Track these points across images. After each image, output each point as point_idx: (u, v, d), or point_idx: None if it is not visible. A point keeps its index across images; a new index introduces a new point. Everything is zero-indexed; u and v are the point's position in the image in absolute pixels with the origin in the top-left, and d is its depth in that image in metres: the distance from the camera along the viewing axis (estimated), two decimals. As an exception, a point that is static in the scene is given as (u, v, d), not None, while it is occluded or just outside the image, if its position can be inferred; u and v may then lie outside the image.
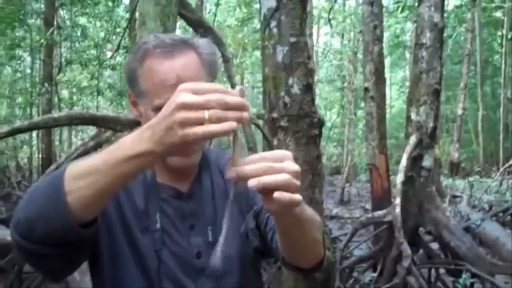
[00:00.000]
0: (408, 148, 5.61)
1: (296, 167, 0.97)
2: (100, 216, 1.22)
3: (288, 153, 0.99)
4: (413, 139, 5.66)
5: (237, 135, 0.98)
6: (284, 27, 2.85)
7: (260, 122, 9.68)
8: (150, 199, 1.28)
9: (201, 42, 1.29)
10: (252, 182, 0.93)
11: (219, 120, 0.90)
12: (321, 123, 2.80)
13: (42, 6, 13.72)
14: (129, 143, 0.95)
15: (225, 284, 1.30)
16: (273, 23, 2.88)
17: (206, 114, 0.90)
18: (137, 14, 8.05)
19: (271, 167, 0.94)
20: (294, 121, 2.79)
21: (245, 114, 0.93)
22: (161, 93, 1.20)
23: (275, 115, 2.81)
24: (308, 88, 2.80)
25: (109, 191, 0.99)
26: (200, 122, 0.89)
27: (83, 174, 0.98)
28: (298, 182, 0.96)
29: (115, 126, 5.62)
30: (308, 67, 2.80)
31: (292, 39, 2.82)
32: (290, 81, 2.79)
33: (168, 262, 1.26)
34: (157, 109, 1.19)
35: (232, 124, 0.90)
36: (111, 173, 0.96)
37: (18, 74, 17.60)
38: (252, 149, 7.50)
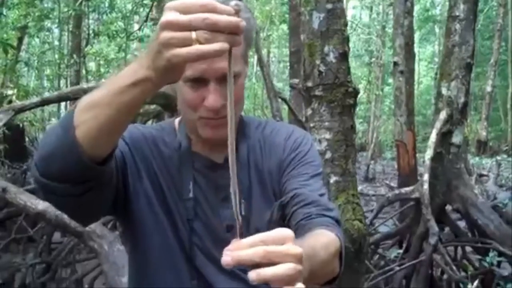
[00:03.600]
0: (438, 124, 5.51)
1: (298, 250, 0.84)
2: (136, 178, 1.23)
3: (289, 233, 0.87)
4: (443, 114, 5.55)
5: (231, 59, 0.90)
6: (321, -8, 2.78)
7: (287, 96, 9.61)
8: (183, 167, 1.26)
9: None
10: (252, 276, 0.82)
11: (207, 42, 0.83)
12: (356, 93, 2.75)
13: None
14: (129, 71, 0.94)
15: None
16: (310, -11, 2.80)
17: (193, 34, 0.83)
18: (165, -15, 7.99)
19: (270, 252, 0.83)
20: (329, 90, 2.75)
21: (238, 38, 0.86)
22: (189, 64, 1.17)
23: (309, 84, 2.77)
24: (344, 57, 2.75)
25: (114, 123, 0.98)
26: (187, 43, 0.83)
27: (89, 106, 0.98)
28: (301, 267, 0.84)
29: (143, 98, 5.63)
30: (344, 34, 2.75)
31: (329, 5, 2.77)
32: (326, 49, 2.75)
33: (200, 233, 1.25)
34: (188, 80, 1.18)
35: (223, 45, 0.83)
36: (114, 103, 0.95)
37: (47, 46, 17.72)
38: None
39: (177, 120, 1.36)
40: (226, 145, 1.30)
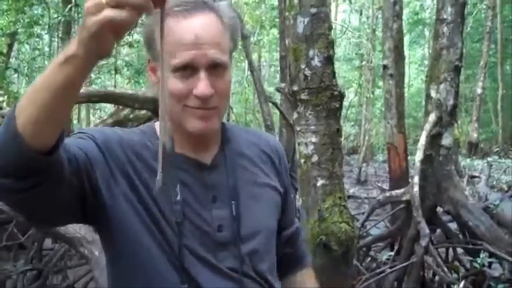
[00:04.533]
0: (427, 126, 5.53)
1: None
2: (111, 182, 1.19)
3: None
4: (432, 117, 5.57)
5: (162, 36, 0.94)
6: (306, -3, 2.80)
7: (278, 100, 9.64)
8: (169, 170, 1.21)
9: (222, 5, 1.25)
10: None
11: (118, 5, 0.84)
12: (341, 96, 2.76)
13: (60, -17, 13.73)
14: (61, 52, 0.93)
15: (247, 261, 1.28)
16: (294, -7, 2.82)
17: None
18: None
19: None
20: (314, 94, 2.75)
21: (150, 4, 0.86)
22: (178, 52, 1.17)
23: (295, 88, 2.78)
24: (329, 61, 2.76)
25: (51, 106, 0.95)
26: (100, 8, 0.85)
27: (28, 93, 0.97)
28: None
29: (133, 104, 5.63)
30: (329, 38, 2.76)
31: (313, 10, 2.77)
32: (311, 53, 2.75)
33: (189, 235, 1.22)
34: (176, 69, 1.17)
35: (131, 13, 0.85)
36: (49, 85, 0.93)
37: (37, 52, 17.67)
38: (270, 127, 7.48)
39: (157, 123, 1.33)
40: (211, 144, 1.31)
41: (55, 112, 0.96)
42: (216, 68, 1.19)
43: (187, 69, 1.17)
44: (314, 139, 2.76)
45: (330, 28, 2.79)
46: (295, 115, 2.82)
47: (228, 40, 1.24)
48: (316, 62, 2.73)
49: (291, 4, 2.81)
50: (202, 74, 1.17)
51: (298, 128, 2.80)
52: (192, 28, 1.17)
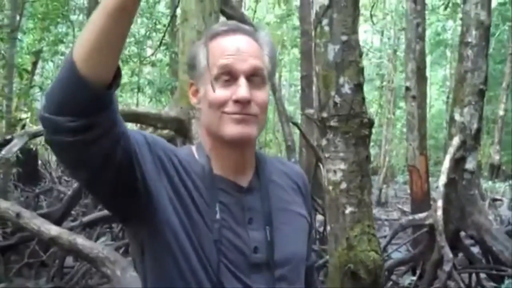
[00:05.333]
0: (451, 150, 5.50)
1: None
2: (156, 178, 1.19)
3: None
4: (456, 141, 5.54)
5: None
6: (336, 25, 2.82)
7: (298, 120, 9.63)
8: (209, 190, 1.25)
9: (262, 34, 1.33)
10: None
11: None
12: (371, 124, 2.76)
13: (85, 2, 13.97)
14: None
15: (278, 286, 1.27)
16: (324, 21, 2.84)
17: None
18: (178, 10, 8.09)
19: None
20: (344, 121, 2.76)
21: None
22: (220, 60, 1.23)
23: (325, 114, 2.78)
24: (359, 88, 2.77)
25: (105, 31, 0.99)
26: None
27: (85, 29, 1.01)
28: None
29: (156, 123, 5.67)
30: (359, 66, 2.76)
31: (344, 38, 2.79)
32: (341, 80, 2.76)
33: (227, 254, 1.22)
34: (216, 77, 1.23)
35: None
36: (102, 11, 0.98)
37: (60, 70, 17.91)
38: (291, 148, 7.48)
39: (193, 146, 1.36)
40: (248, 169, 1.33)
41: (109, 37, 1.00)
42: (255, 78, 1.24)
43: (228, 78, 1.22)
44: (342, 166, 2.75)
45: (360, 55, 2.80)
46: (324, 142, 2.81)
47: (267, 62, 1.30)
48: (346, 89, 2.74)
49: (322, 32, 2.82)
50: (242, 80, 1.22)
51: (327, 155, 2.79)
52: (235, 41, 1.25)
